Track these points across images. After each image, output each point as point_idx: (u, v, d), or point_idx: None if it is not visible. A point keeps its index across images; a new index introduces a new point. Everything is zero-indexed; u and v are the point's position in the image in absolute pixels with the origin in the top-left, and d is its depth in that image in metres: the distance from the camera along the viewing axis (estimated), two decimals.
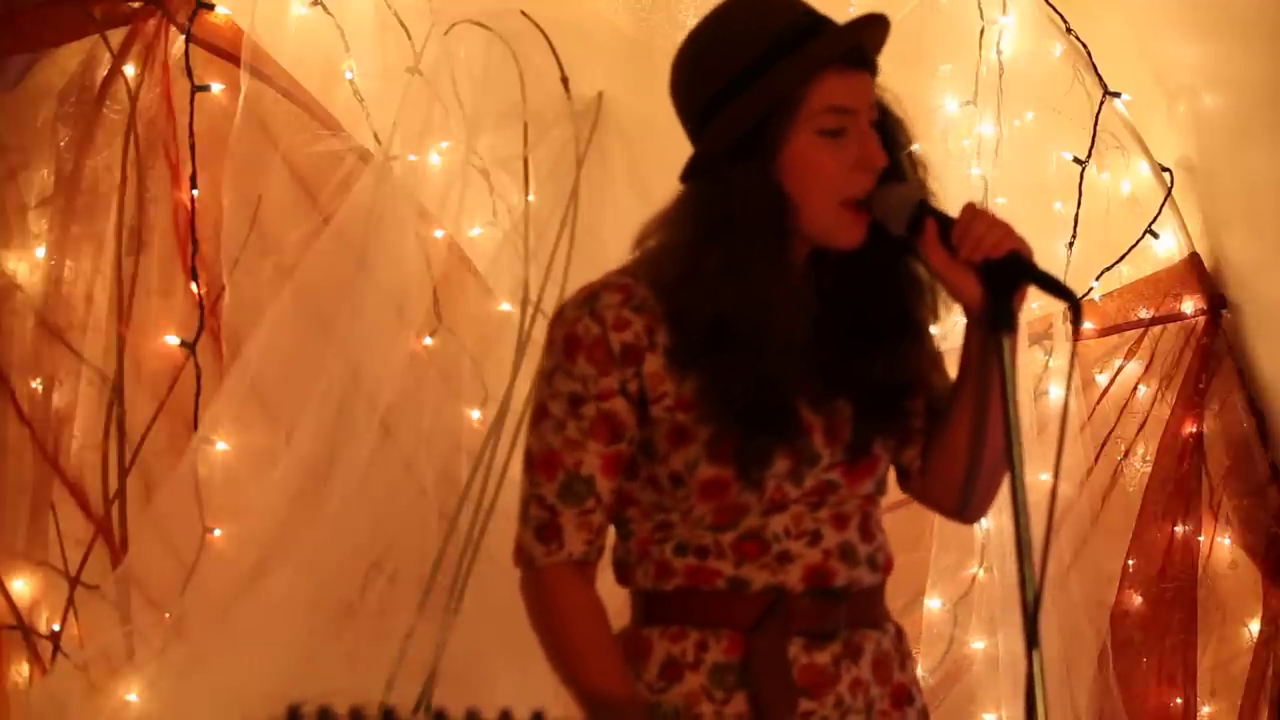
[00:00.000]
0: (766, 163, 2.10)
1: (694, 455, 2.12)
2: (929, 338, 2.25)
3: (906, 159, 2.18)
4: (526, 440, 2.21)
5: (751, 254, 2.09)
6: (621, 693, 2.12)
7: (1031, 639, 1.76)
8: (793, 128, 2.08)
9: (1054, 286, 1.98)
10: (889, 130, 2.16)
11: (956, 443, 2.18)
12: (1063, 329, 3.79)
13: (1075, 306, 1.95)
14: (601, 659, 2.16)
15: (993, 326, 1.94)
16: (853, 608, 2.18)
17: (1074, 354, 2.15)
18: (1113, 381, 3.91)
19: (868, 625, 2.20)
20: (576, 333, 2.16)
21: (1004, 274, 1.98)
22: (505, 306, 3.69)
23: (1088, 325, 3.85)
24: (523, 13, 3.65)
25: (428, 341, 3.65)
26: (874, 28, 2.13)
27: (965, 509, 2.27)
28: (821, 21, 2.11)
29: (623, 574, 2.23)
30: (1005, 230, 2.02)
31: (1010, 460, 1.86)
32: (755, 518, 2.14)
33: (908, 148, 2.19)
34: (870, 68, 2.13)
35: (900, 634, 2.28)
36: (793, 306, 2.11)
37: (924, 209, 2.07)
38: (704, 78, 2.14)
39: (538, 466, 2.17)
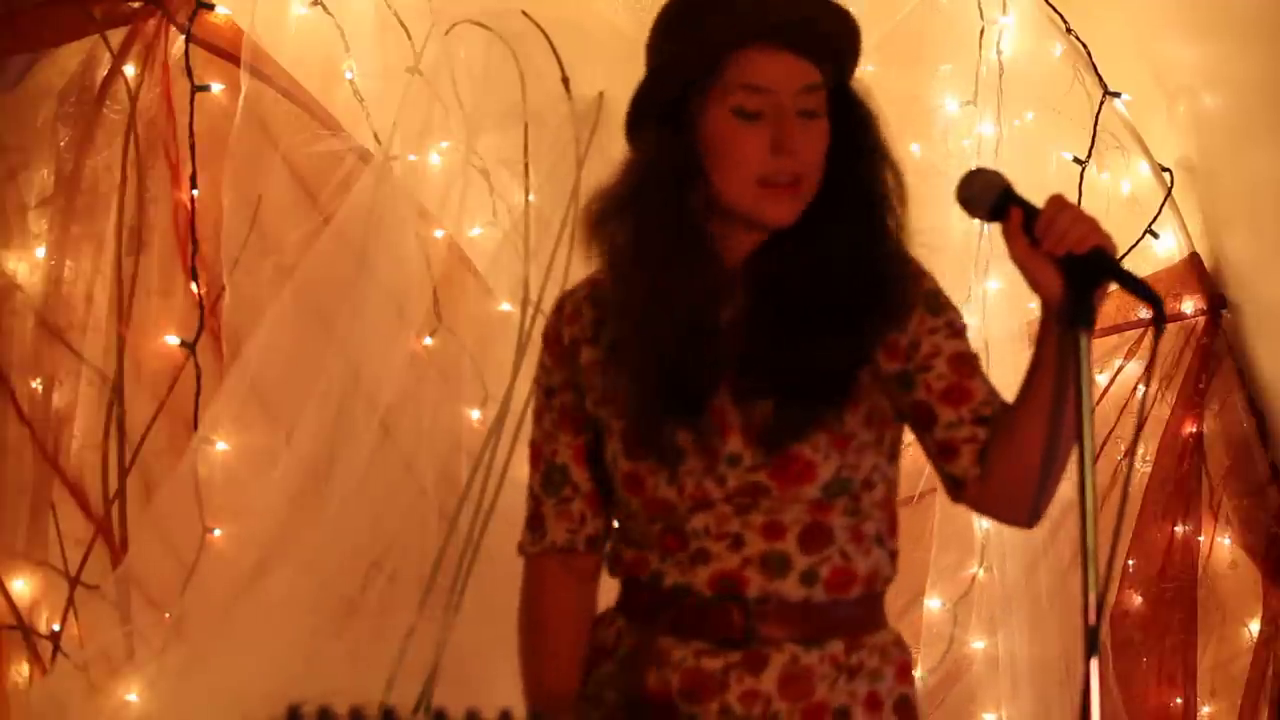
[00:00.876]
0: (680, 134, 2.05)
1: (614, 449, 2.14)
2: (896, 335, 2.12)
3: (871, 159, 2.11)
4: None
5: (648, 227, 2.07)
6: (556, 693, 2.19)
7: (1091, 646, 1.73)
8: (707, 103, 2.04)
9: (1137, 287, 1.94)
10: (850, 125, 2.09)
11: (1025, 443, 2.05)
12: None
13: (1159, 308, 1.90)
14: (549, 656, 2.23)
15: (1071, 323, 1.90)
16: (776, 620, 2.11)
17: (1154, 357, 2.10)
18: (1113, 381, 3.91)
19: (793, 640, 2.11)
20: (547, 327, 2.24)
21: (1086, 270, 1.93)
22: (505, 306, 3.69)
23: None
24: (523, 13, 3.65)
25: (428, 341, 3.65)
26: (811, 11, 2.04)
27: (1033, 514, 2.13)
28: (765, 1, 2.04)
29: (607, 564, 2.28)
30: (1091, 225, 1.96)
31: (1081, 461, 1.80)
32: (681, 513, 2.12)
33: (876, 147, 2.12)
34: (812, 53, 2.04)
35: (853, 650, 2.15)
36: (695, 286, 2.06)
37: (1009, 196, 2.01)
38: (649, 49, 2.12)
39: (531, 458, 2.26)
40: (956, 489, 2.15)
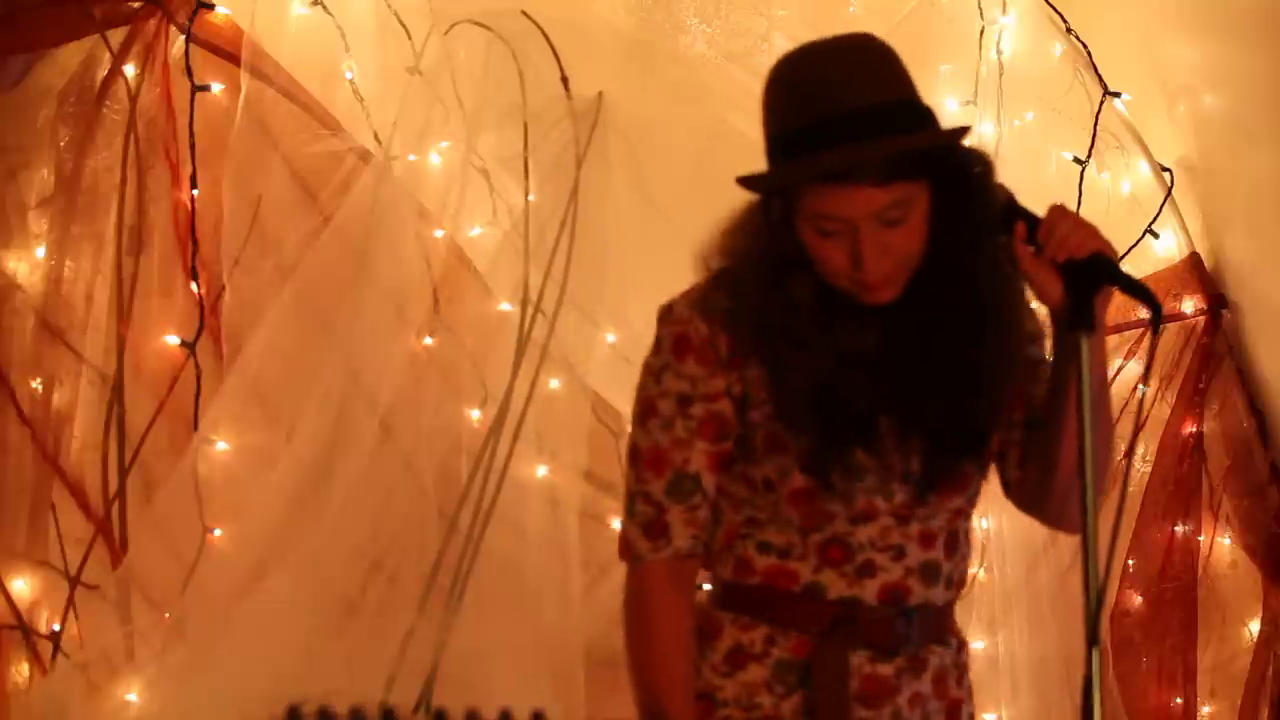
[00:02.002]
0: (787, 225, 2.10)
1: (787, 464, 2.14)
2: (1022, 355, 2.19)
3: (969, 230, 2.11)
4: (632, 436, 2.23)
5: (761, 278, 2.11)
6: (677, 709, 2.16)
7: (1092, 637, 1.77)
8: (796, 216, 2.08)
9: (1137, 290, 1.98)
10: (946, 213, 2.09)
11: (1044, 448, 2.16)
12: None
13: (1157, 311, 1.95)
14: (670, 671, 2.19)
15: (1071, 326, 1.95)
16: (923, 624, 2.19)
17: (1152, 358, 2.14)
18: (1112, 382, 3.90)
19: (935, 640, 2.21)
20: (687, 333, 2.17)
21: (1085, 275, 1.98)
22: (505, 306, 3.69)
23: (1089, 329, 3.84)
24: (523, 13, 3.65)
25: (428, 341, 3.65)
26: (872, 150, 2.03)
27: (1059, 517, 2.23)
28: (825, 131, 2.03)
29: (706, 559, 2.25)
30: (1090, 231, 2.02)
31: (1081, 461, 1.86)
32: (843, 524, 2.15)
33: (974, 216, 2.11)
34: (882, 180, 2.03)
35: (962, 647, 2.28)
36: (839, 329, 2.10)
37: (1013, 209, 2.07)
38: (764, 122, 2.13)
39: (645, 463, 2.19)
40: (1005, 489, 2.26)
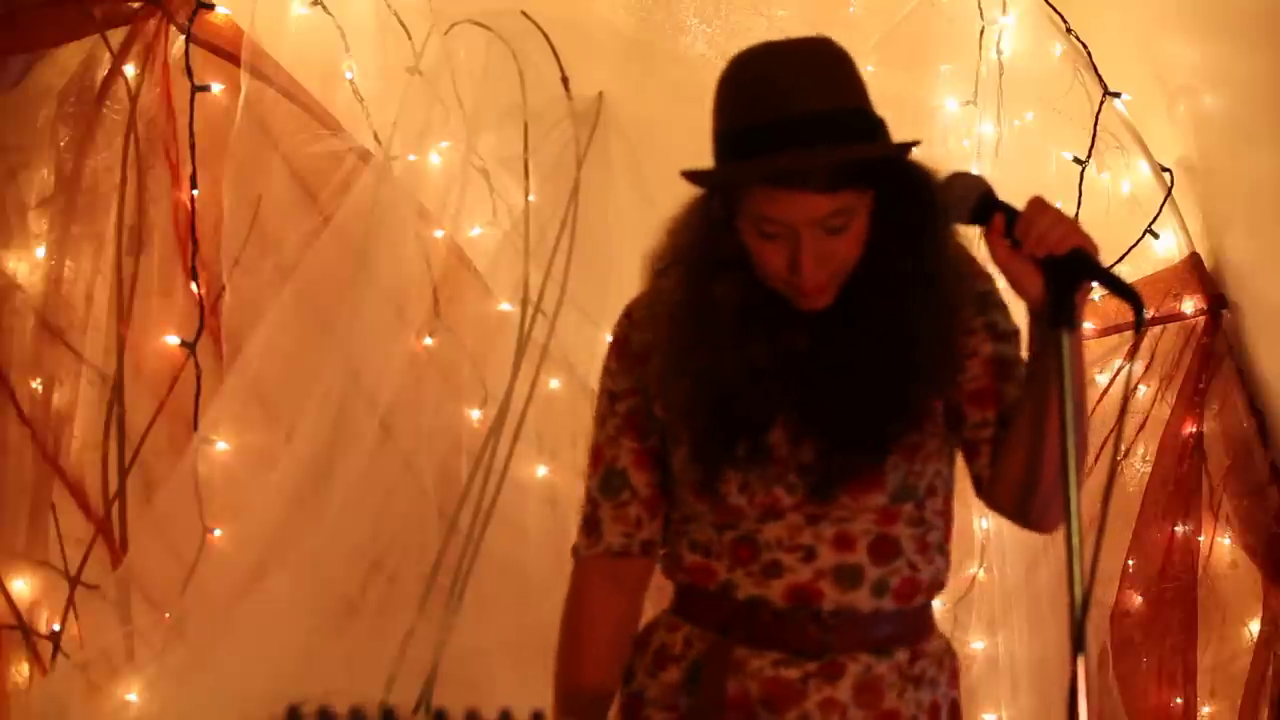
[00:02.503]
0: (727, 224, 2.09)
1: (684, 456, 2.16)
2: (953, 366, 2.15)
3: (915, 239, 2.10)
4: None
5: (691, 275, 2.12)
6: (590, 691, 2.22)
7: (1078, 644, 1.73)
8: (739, 216, 2.07)
9: (1117, 286, 1.95)
10: (898, 202, 2.09)
11: (1016, 444, 2.10)
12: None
13: (1139, 307, 1.90)
14: (590, 659, 2.25)
15: (1053, 324, 1.91)
16: (844, 631, 2.14)
17: (1134, 352, 2.11)
18: (1112, 382, 3.91)
19: (865, 649, 2.15)
20: (616, 332, 2.25)
21: (1066, 271, 1.94)
22: (505, 306, 3.69)
23: (1088, 325, 3.84)
24: (523, 13, 3.66)
25: (428, 341, 3.65)
26: (819, 156, 2.00)
27: (1029, 516, 2.17)
28: (775, 133, 2.00)
29: (661, 564, 2.28)
30: (1070, 226, 1.98)
31: (1064, 461, 1.82)
32: (751, 522, 2.14)
33: (919, 227, 2.10)
34: (826, 187, 2.00)
35: (917, 659, 2.19)
36: (731, 339, 2.10)
37: (990, 201, 2.03)
38: (713, 118, 2.12)
39: (590, 461, 2.27)
40: (977, 487, 2.21)
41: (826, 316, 2.11)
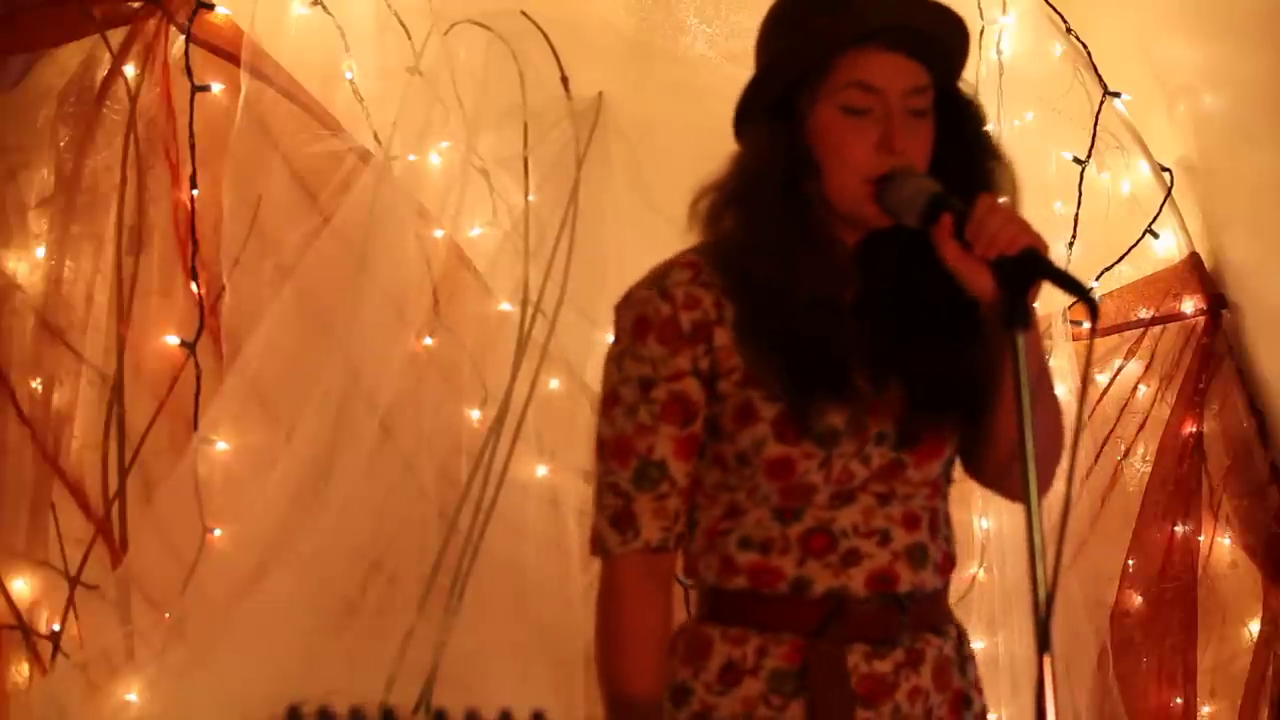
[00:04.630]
0: (791, 127, 2.07)
1: (761, 433, 2.08)
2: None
3: (977, 158, 2.11)
4: (597, 427, 2.16)
5: (762, 219, 2.08)
6: (647, 699, 2.11)
7: (1043, 643, 1.72)
8: (816, 99, 2.05)
9: (1070, 284, 1.93)
10: (956, 124, 2.10)
11: (999, 435, 2.11)
12: (1063, 329, 3.79)
13: (1092, 305, 1.89)
14: (637, 661, 2.12)
15: (1006, 324, 1.87)
16: (916, 613, 2.13)
17: (1090, 352, 2.07)
18: (1113, 381, 3.91)
19: (930, 630, 2.15)
20: (646, 314, 2.12)
21: (1019, 271, 1.92)
22: (505, 306, 3.69)
23: (1087, 325, 3.83)
24: (523, 13, 3.66)
25: (428, 341, 3.65)
26: (920, 14, 2.05)
27: (1007, 493, 2.23)
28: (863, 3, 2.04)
29: (689, 565, 2.19)
30: (1021, 226, 1.95)
31: (1023, 458, 1.80)
32: (823, 509, 2.09)
33: (982, 146, 2.13)
34: (920, 55, 2.05)
35: (962, 637, 2.22)
36: (818, 270, 2.06)
37: (939, 201, 2.01)
38: (759, 44, 2.14)
39: (610, 453, 2.13)
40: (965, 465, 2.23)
41: (879, 258, 2.10)
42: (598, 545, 2.15)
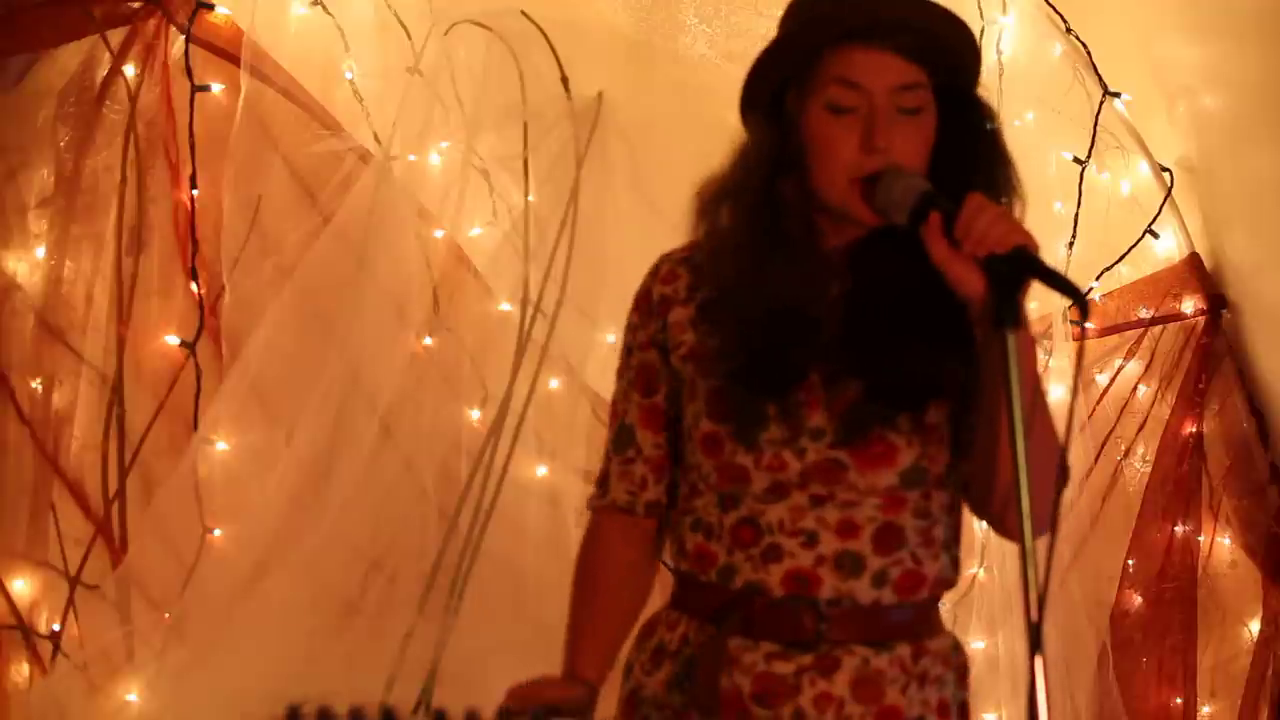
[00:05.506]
0: (781, 127, 2.07)
1: (697, 409, 2.13)
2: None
3: (980, 163, 2.10)
4: None
5: (745, 214, 2.10)
6: (574, 638, 2.21)
7: (1035, 644, 1.70)
8: (805, 96, 2.06)
9: (1061, 284, 1.89)
10: (962, 128, 2.10)
11: (978, 446, 2.06)
12: (1063, 329, 3.79)
13: (1083, 304, 1.87)
14: (597, 610, 2.23)
15: (997, 324, 1.85)
16: (843, 623, 2.09)
17: (1081, 352, 2.06)
18: (1113, 381, 3.91)
19: (862, 642, 2.10)
20: (640, 288, 2.24)
21: (1009, 269, 1.90)
22: (505, 306, 3.69)
23: (1088, 325, 3.84)
24: (523, 13, 3.66)
25: (428, 341, 3.65)
26: (909, 11, 2.04)
27: (990, 516, 2.11)
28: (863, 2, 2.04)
29: (665, 544, 2.26)
30: (1011, 224, 1.93)
31: (1015, 461, 1.77)
32: (757, 500, 2.10)
33: (990, 156, 2.11)
34: (910, 53, 2.04)
35: (920, 656, 2.14)
36: (791, 274, 2.07)
37: (928, 199, 1.99)
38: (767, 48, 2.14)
39: (609, 416, 2.29)
40: (963, 493, 2.17)
41: (864, 259, 2.10)
42: (588, 500, 2.29)
